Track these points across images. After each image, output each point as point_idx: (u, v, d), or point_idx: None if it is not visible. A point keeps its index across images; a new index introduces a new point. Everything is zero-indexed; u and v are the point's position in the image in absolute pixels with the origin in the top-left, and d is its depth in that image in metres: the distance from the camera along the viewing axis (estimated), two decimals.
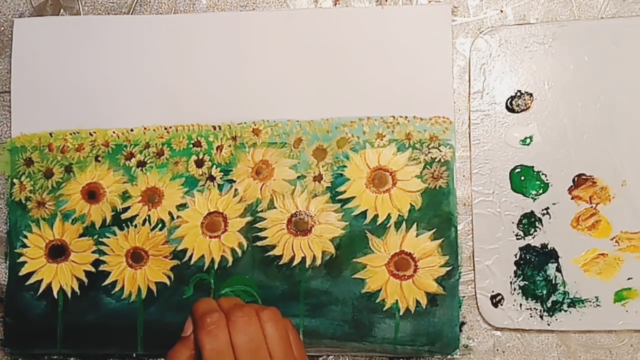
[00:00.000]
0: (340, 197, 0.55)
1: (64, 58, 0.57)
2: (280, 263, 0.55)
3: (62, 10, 0.58)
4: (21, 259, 0.57)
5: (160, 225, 0.56)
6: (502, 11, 0.55)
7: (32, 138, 0.57)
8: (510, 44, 0.54)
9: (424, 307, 0.54)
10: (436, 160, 0.54)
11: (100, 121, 0.57)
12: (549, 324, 0.53)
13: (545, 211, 0.53)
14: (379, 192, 0.54)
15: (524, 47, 0.54)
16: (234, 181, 0.56)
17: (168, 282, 0.56)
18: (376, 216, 0.54)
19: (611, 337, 0.53)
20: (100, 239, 0.56)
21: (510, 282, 0.53)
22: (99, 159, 0.57)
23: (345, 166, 0.55)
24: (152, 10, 0.58)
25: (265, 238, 0.55)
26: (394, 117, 0.55)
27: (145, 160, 0.56)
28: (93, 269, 0.56)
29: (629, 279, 0.53)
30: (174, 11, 0.58)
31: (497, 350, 0.54)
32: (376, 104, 0.55)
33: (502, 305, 0.54)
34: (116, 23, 0.57)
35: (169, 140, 0.56)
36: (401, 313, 0.54)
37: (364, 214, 0.54)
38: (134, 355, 0.56)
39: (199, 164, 0.56)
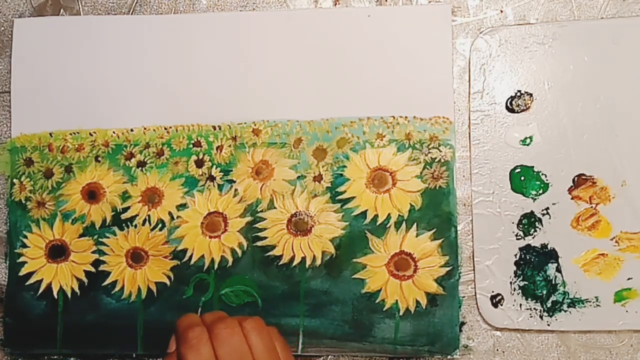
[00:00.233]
0: (340, 197, 0.55)
1: (64, 58, 0.57)
2: (280, 263, 0.55)
3: (62, 10, 0.58)
4: (21, 259, 0.57)
5: (160, 225, 0.56)
6: (502, 11, 0.55)
7: (32, 138, 0.57)
8: (510, 44, 0.54)
9: (424, 307, 0.54)
10: (436, 160, 0.54)
11: (100, 121, 0.57)
12: (549, 324, 0.53)
13: (545, 211, 0.53)
14: (379, 192, 0.54)
15: (524, 47, 0.54)
16: (234, 181, 0.56)
17: (168, 282, 0.56)
18: (376, 216, 0.54)
19: (611, 337, 0.53)
20: (100, 239, 0.56)
21: (510, 282, 0.53)
22: (99, 159, 0.57)
23: (345, 166, 0.55)
24: (152, 10, 0.58)
25: (265, 238, 0.55)
26: (394, 117, 0.55)
27: (145, 160, 0.56)
28: (93, 269, 0.56)
29: (629, 279, 0.53)
30: (174, 11, 0.58)
31: (497, 350, 0.54)
32: (376, 104, 0.55)
33: (502, 305, 0.54)
34: (116, 23, 0.57)
35: (169, 140, 0.56)
36: (401, 313, 0.54)
37: (364, 214, 0.54)
38: (134, 355, 0.56)
39: (199, 164, 0.56)
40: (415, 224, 0.54)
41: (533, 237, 0.53)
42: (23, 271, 0.57)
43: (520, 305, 0.53)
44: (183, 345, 0.43)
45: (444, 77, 0.55)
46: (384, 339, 0.54)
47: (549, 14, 0.55)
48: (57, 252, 0.57)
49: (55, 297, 0.56)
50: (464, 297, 0.54)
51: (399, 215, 0.54)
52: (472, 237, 0.54)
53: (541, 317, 0.53)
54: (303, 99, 0.56)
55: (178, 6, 0.58)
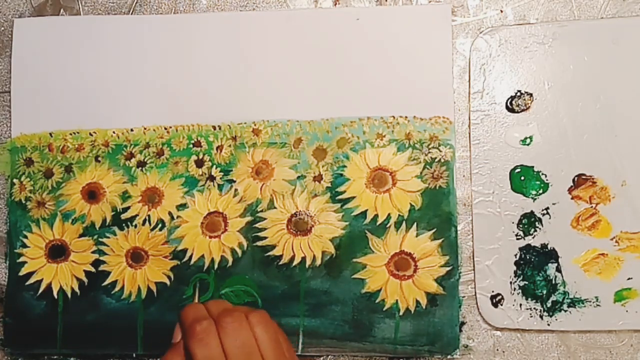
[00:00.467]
0: (340, 197, 0.55)
1: (64, 58, 0.57)
2: (280, 263, 0.55)
3: (62, 10, 0.58)
4: (21, 259, 0.57)
5: (160, 225, 0.56)
6: (502, 11, 0.55)
7: (32, 138, 0.57)
8: (510, 44, 0.54)
9: (424, 307, 0.54)
10: (436, 160, 0.54)
11: (100, 121, 0.57)
12: (549, 324, 0.53)
13: (545, 211, 0.53)
14: (379, 192, 0.54)
15: (524, 47, 0.54)
16: (234, 181, 0.56)
17: (168, 282, 0.56)
18: (376, 216, 0.54)
19: (611, 337, 0.53)
20: (100, 239, 0.56)
21: (510, 282, 0.53)
22: (99, 159, 0.57)
23: (345, 166, 0.55)
24: (152, 10, 0.58)
25: (265, 238, 0.55)
26: (394, 117, 0.55)
27: (145, 160, 0.56)
28: (93, 269, 0.56)
29: (629, 279, 0.53)
30: (174, 11, 0.58)
31: (497, 350, 0.54)
32: (376, 104, 0.55)
33: (502, 305, 0.54)
34: (116, 23, 0.57)
35: (169, 140, 0.56)
36: (401, 313, 0.54)
37: (364, 214, 0.54)
38: (134, 355, 0.56)
39: (199, 164, 0.56)
40: (415, 224, 0.54)
41: (533, 237, 0.54)
42: (23, 271, 0.57)
43: (520, 305, 0.53)
44: (191, 339, 0.43)
45: (444, 77, 0.55)
46: (384, 339, 0.54)
47: (549, 14, 0.55)
48: (57, 252, 0.57)
49: (55, 297, 0.56)
50: (464, 297, 0.54)
51: (399, 215, 0.54)
52: (472, 237, 0.54)
53: (541, 317, 0.53)
54: (303, 99, 0.56)
55: (178, 6, 0.58)
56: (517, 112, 0.54)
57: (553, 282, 0.53)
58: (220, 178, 0.56)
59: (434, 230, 0.54)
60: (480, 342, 0.54)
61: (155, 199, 0.56)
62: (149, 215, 0.56)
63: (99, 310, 0.56)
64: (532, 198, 0.54)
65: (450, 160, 0.54)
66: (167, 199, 0.56)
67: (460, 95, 0.55)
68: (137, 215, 0.56)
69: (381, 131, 0.55)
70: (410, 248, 0.54)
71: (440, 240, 0.54)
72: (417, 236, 0.54)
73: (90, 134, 0.57)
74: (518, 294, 0.53)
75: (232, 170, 0.56)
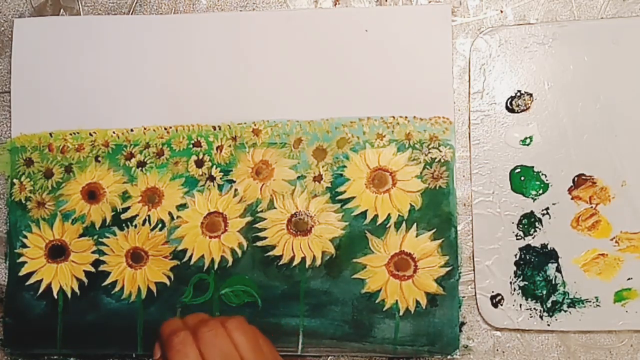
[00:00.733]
0: (340, 197, 0.55)
1: (64, 58, 0.57)
2: (280, 263, 0.55)
3: (62, 10, 0.58)
4: (21, 259, 0.57)
5: (160, 226, 0.56)
6: (502, 11, 0.55)
7: (32, 138, 0.57)
8: (510, 44, 0.54)
9: (424, 307, 0.54)
10: (436, 160, 0.54)
11: (100, 121, 0.57)
12: (548, 324, 0.53)
13: (545, 211, 0.53)
14: (379, 192, 0.54)
15: (524, 47, 0.54)
16: (234, 181, 0.56)
17: (168, 282, 0.56)
18: (376, 216, 0.54)
19: (611, 338, 0.53)
20: (100, 239, 0.56)
21: (510, 283, 0.53)
22: (99, 159, 0.57)
23: (345, 166, 0.55)
24: (152, 10, 0.58)
25: (265, 238, 0.55)
26: (394, 117, 0.55)
27: (145, 160, 0.56)
28: (93, 269, 0.56)
29: (629, 279, 0.53)
30: (174, 11, 0.58)
31: (497, 350, 0.54)
32: (376, 104, 0.55)
33: (502, 305, 0.53)
34: (116, 23, 0.57)
35: (169, 141, 0.56)
36: (401, 313, 0.54)
37: (363, 214, 0.54)
38: (134, 355, 0.56)
39: (199, 164, 0.56)
40: (415, 224, 0.54)
41: (533, 237, 0.53)
42: (23, 271, 0.57)
43: (520, 305, 0.53)
44: (170, 351, 0.43)
45: (444, 77, 0.55)
46: (384, 339, 0.54)
47: (549, 14, 0.55)
48: (57, 252, 0.57)
49: (55, 297, 0.56)
50: (464, 297, 0.54)
51: (399, 215, 0.54)
52: (472, 237, 0.54)
53: (541, 317, 0.53)
54: (303, 99, 0.56)
55: (178, 6, 0.58)
56: (517, 112, 0.54)
57: (553, 282, 0.53)
58: (220, 178, 0.56)
59: (434, 231, 0.54)
60: (480, 343, 0.54)
61: (155, 199, 0.56)
62: (149, 216, 0.56)
63: (99, 310, 0.56)
64: (532, 198, 0.54)
65: (450, 161, 0.54)
66: (167, 199, 0.56)
67: (460, 95, 0.55)
68: (137, 215, 0.56)
69: (381, 131, 0.55)
70: (410, 248, 0.54)
71: (440, 241, 0.54)
72: (417, 236, 0.54)
73: (90, 134, 0.57)
74: (518, 294, 0.53)
75: (232, 171, 0.56)
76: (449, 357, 0.54)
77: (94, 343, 0.56)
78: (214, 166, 0.56)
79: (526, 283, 0.53)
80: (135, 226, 0.56)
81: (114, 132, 0.57)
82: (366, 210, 0.54)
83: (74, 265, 0.56)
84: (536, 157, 0.54)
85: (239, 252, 0.55)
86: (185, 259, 0.56)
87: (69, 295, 0.56)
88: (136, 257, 0.56)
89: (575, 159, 0.53)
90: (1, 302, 0.57)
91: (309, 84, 0.56)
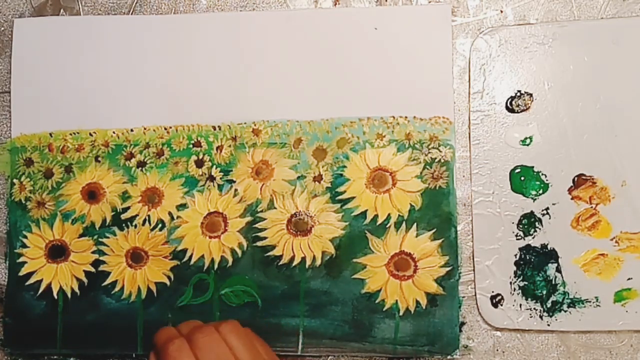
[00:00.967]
0: (340, 197, 0.55)
1: (64, 58, 0.57)
2: (280, 263, 0.55)
3: (62, 10, 0.58)
4: (21, 259, 0.57)
5: (160, 226, 0.56)
6: (502, 11, 0.55)
7: (32, 138, 0.57)
8: (510, 44, 0.54)
9: (424, 307, 0.54)
10: (436, 160, 0.54)
11: (100, 121, 0.57)
12: (548, 324, 0.53)
13: (545, 211, 0.53)
14: (379, 192, 0.54)
15: (524, 47, 0.54)
16: (234, 181, 0.56)
17: (168, 282, 0.56)
18: (376, 216, 0.54)
19: (611, 338, 0.53)
20: (100, 239, 0.56)
21: (510, 283, 0.53)
22: (99, 159, 0.57)
23: (345, 166, 0.55)
24: (152, 10, 0.58)
25: (265, 238, 0.55)
26: (394, 117, 0.55)
27: (145, 160, 0.56)
28: (93, 269, 0.56)
29: (629, 279, 0.53)
30: (174, 11, 0.58)
31: (497, 350, 0.54)
32: (376, 104, 0.55)
33: (502, 305, 0.54)
34: (116, 23, 0.57)
35: (169, 141, 0.56)
36: (401, 313, 0.54)
37: (363, 214, 0.54)
38: (134, 355, 0.56)
39: (199, 164, 0.56)
40: (415, 224, 0.54)
41: (533, 237, 0.53)
42: (23, 271, 0.57)
43: (520, 305, 0.53)
44: (166, 359, 0.43)
45: (444, 77, 0.55)
46: (384, 339, 0.54)
47: (549, 14, 0.55)
48: (57, 252, 0.57)
49: (55, 297, 0.56)
50: (464, 297, 0.54)
51: (399, 215, 0.54)
52: (472, 237, 0.54)
53: (541, 317, 0.53)
54: (303, 99, 0.56)
55: (178, 6, 0.58)
56: (517, 112, 0.54)
57: (553, 282, 0.53)
58: (220, 178, 0.56)
59: (434, 231, 0.54)
60: (480, 343, 0.54)
61: (155, 199, 0.56)
62: (149, 216, 0.56)
63: (99, 310, 0.56)
64: (532, 198, 0.54)
65: (450, 161, 0.54)
66: (167, 199, 0.56)
67: (460, 95, 0.55)
68: (137, 215, 0.56)
69: (381, 131, 0.55)
70: (410, 248, 0.54)
71: (440, 241, 0.54)
72: (417, 236, 0.54)
73: (90, 134, 0.57)
74: (518, 294, 0.53)
75: (232, 171, 0.56)
76: (449, 357, 0.54)
77: (94, 343, 0.56)
78: (214, 166, 0.56)
79: (526, 283, 0.53)
80: (135, 226, 0.56)
81: (114, 132, 0.57)
82: (366, 210, 0.54)
83: (74, 265, 0.56)
84: (536, 157, 0.54)
85: (239, 252, 0.55)
86: (185, 259, 0.56)
87: (69, 295, 0.56)
88: (136, 257, 0.56)
89: (575, 159, 0.53)
90: (1, 302, 0.57)
91: (309, 84, 0.56)
